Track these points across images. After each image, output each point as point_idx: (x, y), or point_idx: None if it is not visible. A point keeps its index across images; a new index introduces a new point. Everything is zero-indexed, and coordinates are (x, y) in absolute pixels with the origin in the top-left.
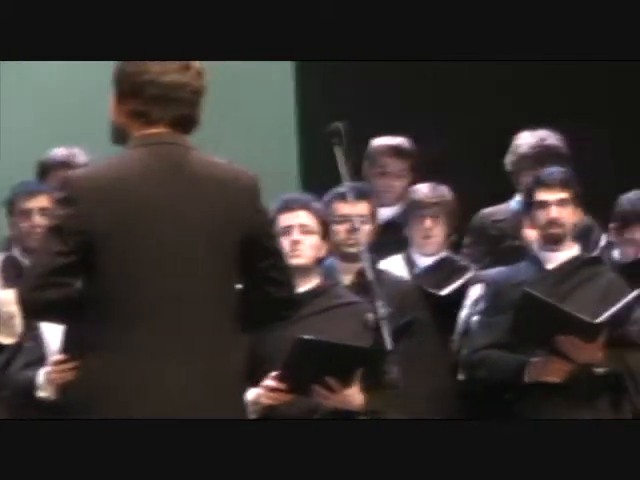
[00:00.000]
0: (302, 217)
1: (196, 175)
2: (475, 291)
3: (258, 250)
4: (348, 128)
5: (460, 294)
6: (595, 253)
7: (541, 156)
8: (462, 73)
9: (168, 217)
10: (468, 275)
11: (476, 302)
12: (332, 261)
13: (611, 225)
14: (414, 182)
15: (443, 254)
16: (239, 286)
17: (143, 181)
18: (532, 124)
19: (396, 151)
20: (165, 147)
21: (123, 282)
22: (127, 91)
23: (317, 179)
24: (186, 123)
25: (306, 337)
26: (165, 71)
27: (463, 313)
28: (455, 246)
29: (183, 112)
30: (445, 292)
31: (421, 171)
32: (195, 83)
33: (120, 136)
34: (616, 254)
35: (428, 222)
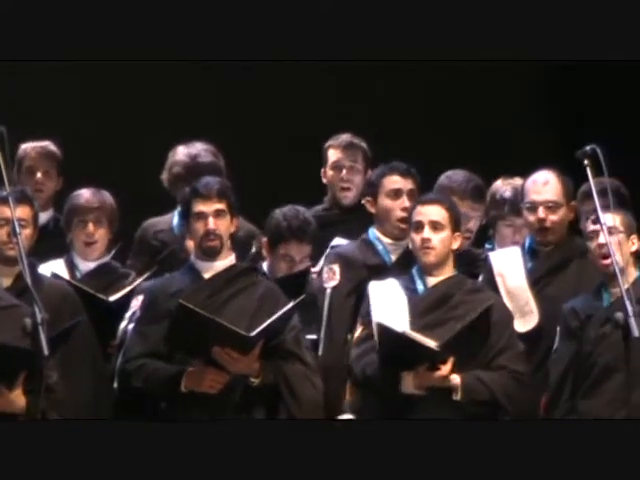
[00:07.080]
0: None
1: None
2: (136, 302)
3: None
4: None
5: (124, 303)
6: None
7: (192, 169)
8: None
9: None
10: (135, 282)
11: (134, 312)
12: None
13: (263, 239)
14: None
15: (105, 259)
16: None
17: None
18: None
19: (44, 154)
20: None
21: None
22: None
23: None
24: None
25: None
26: None
27: (122, 323)
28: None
29: None
30: (114, 298)
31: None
32: None
33: None
34: (265, 268)
35: (90, 227)
